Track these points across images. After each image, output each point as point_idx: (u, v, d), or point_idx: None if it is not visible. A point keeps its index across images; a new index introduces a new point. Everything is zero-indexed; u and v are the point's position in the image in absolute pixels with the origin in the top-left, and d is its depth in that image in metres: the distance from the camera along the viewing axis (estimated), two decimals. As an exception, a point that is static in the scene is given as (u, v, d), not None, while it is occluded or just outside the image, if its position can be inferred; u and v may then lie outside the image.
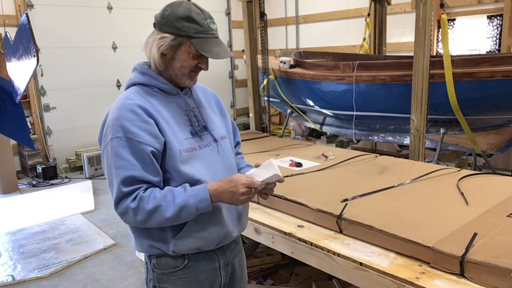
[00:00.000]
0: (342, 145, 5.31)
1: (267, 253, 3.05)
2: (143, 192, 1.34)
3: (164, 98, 1.47)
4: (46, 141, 6.41)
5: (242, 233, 1.76)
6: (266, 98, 5.12)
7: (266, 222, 2.12)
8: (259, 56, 4.96)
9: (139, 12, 7.02)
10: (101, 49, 6.85)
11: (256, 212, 2.22)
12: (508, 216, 1.80)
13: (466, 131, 3.76)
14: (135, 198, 1.33)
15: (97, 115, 6.65)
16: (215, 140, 1.53)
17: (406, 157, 3.75)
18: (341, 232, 1.92)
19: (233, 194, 1.35)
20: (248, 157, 2.24)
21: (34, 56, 4.06)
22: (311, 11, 7.86)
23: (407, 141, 4.47)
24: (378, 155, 3.00)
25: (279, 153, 3.18)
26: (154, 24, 1.45)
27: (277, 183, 1.48)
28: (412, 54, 3.32)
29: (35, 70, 4.16)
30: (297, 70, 4.98)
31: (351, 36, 7.13)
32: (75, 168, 6.55)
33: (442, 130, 4.01)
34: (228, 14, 8.58)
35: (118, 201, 1.34)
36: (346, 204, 1.99)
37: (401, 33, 6.48)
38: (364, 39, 5.63)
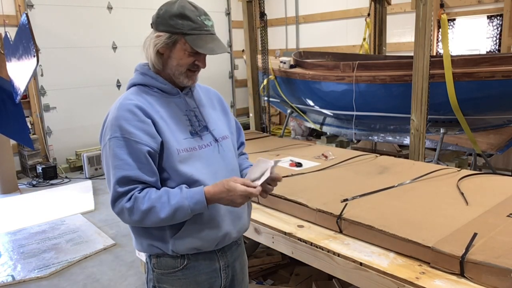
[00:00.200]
0: (342, 145, 5.31)
1: (267, 253, 3.05)
2: (139, 193, 1.34)
3: (164, 98, 1.47)
4: (46, 141, 6.41)
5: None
6: (266, 98, 5.12)
7: (266, 222, 2.12)
8: (259, 56, 4.96)
9: (139, 12, 7.02)
10: (101, 49, 6.85)
11: (256, 212, 2.22)
12: (508, 216, 1.80)
13: (466, 131, 3.76)
14: (130, 199, 1.34)
15: (97, 115, 6.68)
16: (216, 140, 1.52)
17: (406, 157, 3.75)
18: (341, 232, 1.92)
19: (231, 203, 1.36)
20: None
21: (34, 56, 4.06)
22: (311, 11, 7.86)
23: (407, 141, 4.47)
24: (378, 155, 3.00)
25: (279, 153, 3.19)
26: (151, 24, 1.46)
27: (277, 183, 1.48)
28: (412, 54, 3.32)
29: (35, 70, 4.17)
30: (297, 70, 4.98)
31: (351, 36, 7.13)
32: (75, 168, 6.55)
33: (442, 130, 4.01)
34: (228, 14, 8.58)
35: (114, 201, 1.36)
36: (346, 204, 1.99)
37: (401, 33, 6.48)
38: (364, 39, 5.63)
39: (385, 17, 5.57)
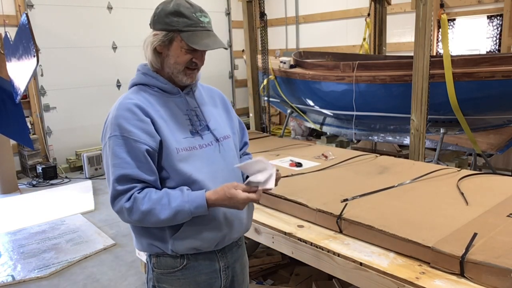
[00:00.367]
0: (342, 145, 5.31)
1: (267, 253, 3.05)
2: (138, 193, 1.35)
3: (164, 98, 1.48)
4: (46, 141, 6.41)
5: (242, 233, 1.76)
6: (266, 98, 5.12)
7: (266, 222, 2.12)
8: (259, 56, 4.96)
9: (139, 12, 7.02)
10: (101, 49, 6.85)
11: (256, 212, 2.22)
12: (508, 216, 1.80)
13: (466, 131, 3.76)
14: (129, 198, 1.34)
15: (97, 115, 6.69)
16: (217, 140, 1.52)
17: (406, 157, 3.75)
18: (341, 232, 1.92)
19: (233, 204, 1.37)
20: (248, 157, 2.23)
21: (34, 56, 4.06)
22: (311, 11, 7.86)
23: (407, 141, 4.47)
24: (378, 155, 3.00)
25: (279, 153, 3.19)
26: (150, 24, 1.46)
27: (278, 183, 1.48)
28: (412, 54, 3.32)
29: (35, 70, 4.17)
30: (297, 70, 4.98)
31: (351, 36, 7.13)
32: (75, 168, 6.55)
33: (442, 130, 4.01)
34: (228, 14, 8.58)
35: (113, 199, 1.37)
36: (346, 204, 1.99)
37: (401, 33, 6.48)
38: (364, 39, 5.63)
39: (385, 17, 5.57)
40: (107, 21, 6.86)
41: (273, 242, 2.07)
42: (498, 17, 5.54)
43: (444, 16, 3.41)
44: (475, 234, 1.58)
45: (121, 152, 1.35)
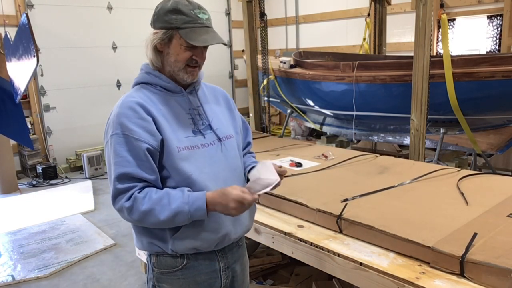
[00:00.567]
0: (342, 145, 5.31)
1: (267, 253, 3.05)
2: (138, 192, 1.35)
3: (167, 96, 1.48)
4: (46, 141, 6.41)
5: (242, 234, 1.76)
6: (266, 98, 5.12)
7: (266, 222, 2.12)
8: (259, 56, 4.96)
9: (139, 12, 7.02)
10: (101, 49, 6.85)
11: (256, 212, 2.20)
12: (508, 216, 1.80)
13: (466, 131, 3.76)
14: (129, 198, 1.34)
15: (97, 115, 6.69)
16: (219, 139, 1.52)
17: (406, 157, 3.75)
18: (341, 232, 1.92)
19: (225, 208, 1.34)
20: (248, 157, 2.23)
21: (34, 56, 4.06)
22: (311, 11, 7.86)
23: (407, 141, 4.47)
24: (378, 155, 3.00)
25: (279, 153, 3.19)
26: (150, 24, 1.47)
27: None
28: (412, 54, 3.32)
29: (35, 70, 4.17)
30: (297, 70, 4.98)
31: (351, 36, 7.13)
32: (75, 168, 6.55)
33: (442, 130, 4.01)
34: (228, 14, 8.58)
35: (114, 198, 1.37)
36: (346, 204, 1.99)
37: (401, 33, 6.48)
38: (364, 39, 5.63)
39: (385, 17, 5.57)
40: (107, 21, 6.85)
41: (273, 242, 2.07)
42: (498, 17, 5.54)
43: (444, 16, 3.41)
44: (475, 234, 1.58)
45: (122, 151, 1.36)
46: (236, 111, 1.70)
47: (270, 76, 5.10)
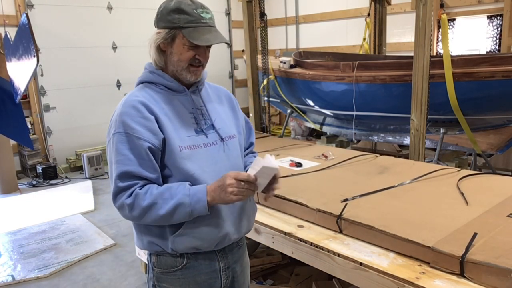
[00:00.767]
0: (342, 145, 5.31)
1: (267, 253, 3.05)
2: (139, 189, 1.36)
3: (170, 96, 1.48)
4: (46, 141, 6.41)
5: (242, 234, 1.76)
6: (266, 98, 5.12)
7: (266, 222, 2.12)
8: (259, 56, 4.96)
9: (139, 12, 7.02)
10: (101, 49, 6.85)
11: (257, 212, 2.22)
12: (508, 216, 1.80)
13: (466, 131, 3.76)
14: (131, 195, 1.35)
15: (97, 115, 6.69)
16: (222, 139, 1.52)
17: (406, 157, 3.75)
18: (341, 232, 1.92)
19: (222, 188, 1.32)
20: (248, 157, 2.23)
21: (34, 56, 4.06)
22: (311, 11, 7.86)
23: (407, 141, 4.47)
24: (378, 155, 3.00)
25: (279, 153, 3.19)
26: (154, 24, 1.48)
27: (279, 181, 1.47)
28: (412, 54, 3.32)
29: (35, 70, 4.17)
30: (297, 70, 4.98)
31: (351, 36, 7.13)
32: (75, 168, 6.55)
33: (442, 130, 4.01)
34: (228, 14, 8.59)
35: (115, 196, 1.37)
36: (346, 204, 1.99)
37: (401, 33, 6.48)
38: (364, 39, 5.63)
39: (385, 17, 5.57)
40: (107, 21, 6.85)
41: (273, 242, 2.07)
42: (498, 17, 5.54)
43: (444, 16, 3.41)
44: (475, 234, 1.58)
45: (124, 149, 1.36)
46: (239, 111, 1.69)
47: (270, 76, 5.10)
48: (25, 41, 4.20)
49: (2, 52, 4.82)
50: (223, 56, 8.64)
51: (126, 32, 6.94)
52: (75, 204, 4.98)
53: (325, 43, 7.56)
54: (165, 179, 1.42)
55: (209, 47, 1.47)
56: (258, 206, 2.28)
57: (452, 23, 5.96)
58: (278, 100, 5.67)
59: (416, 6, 3.18)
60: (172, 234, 1.43)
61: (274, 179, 1.44)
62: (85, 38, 6.63)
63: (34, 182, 5.93)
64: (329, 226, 1.97)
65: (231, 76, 8.86)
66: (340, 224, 1.91)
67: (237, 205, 1.49)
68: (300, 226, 2.03)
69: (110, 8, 6.86)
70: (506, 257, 1.44)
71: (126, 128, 1.37)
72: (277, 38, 8.46)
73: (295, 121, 6.86)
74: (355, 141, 5.49)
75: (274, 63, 5.25)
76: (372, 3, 5.48)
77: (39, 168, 6.04)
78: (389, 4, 5.57)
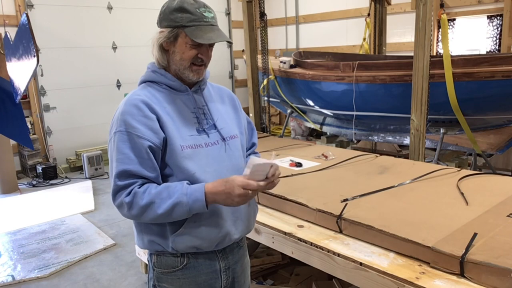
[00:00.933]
0: (342, 145, 5.31)
1: (267, 253, 3.05)
2: (138, 188, 1.36)
3: (172, 95, 1.49)
4: (46, 141, 6.41)
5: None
6: (266, 98, 5.12)
7: (266, 222, 2.12)
8: (259, 56, 4.96)
9: (139, 12, 7.02)
10: (101, 49, 6.85)
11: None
12: (508, 216, 1.80)
13: (466, 131, 3.76)
14: (129, 193, 1.35)
15: (97, 115, 6.68)
16: (224, 139, 1.52)
17: (406, 157, 3.75)
18: (341, 232, 1.92)
19: (229, 196, 1.33)
20: (248, 157, 2.23)
21: (34, 56, 4.06)
22: (311, 11, 7.86)
23: (407, 141, 4.47)
24: (378, 155, 3.00)
25: (279, 153, 3.19)
26: (157, 23, 1.48)
27: (280, 180, 1.46)
28: (412, 54, 3.32)
29: (35, 70, 4.17)
30: (297, 70, 4.98)
31: (351, 36, 7.13)
32: (75, 168, 6.55)
33: (442, 130, 4.01)
34: (228, 14, 8.59)
35: (114, 194, 1.38)
36: (346, 204, 1.99)
37: (401, 33, 6.48)
38: (364, 39, 5.63)
39: (385, 17, 5.57)
40: (107, 21, 6.85)
41: (273, 242, 2.07)
42: (498, 17, 5.54)
43: (444, 16, 3.41)
44: (475, 234, 1.58)
45: (124, 148, 1.37)
46: (241, 112, 1.70)
47: (270, 76, 5.10)
48: (25, 41, 4.20)
49: (2, 52, 4.82)
50: (223, 56, 8.64)
51: (126, 32, 6.94)
52: (75, 204, 4.98)
53: (325, 43, 7.56)
54: (166, 178, 1.42)
55: (211, 46, 1.47)
56: (258, 206, 2.29)
57: (452, 23, 5.96)
58: (278, 100, 5.67)
59: (416, 6, 3.18)
60: (173, 233, 1.43)
61: (272, 176, 1.41)
62: (85, 38, 6.63)
63: (34, 182, 5.93)
64: (329, 226, 1.97)
65: (231, 76, 8.86)
66: (340, 224, 1.91)
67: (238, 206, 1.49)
68: (300, 226, 2.03)
69: (110, 8, 6.86)
70: (506, 257, 1.44)
71: (127, 126, 1.37)
72: (277, 38, 8.46)
73: (295, 121, 6.87)
74: (355, 141, 5.49)
75: (274, 63, 5.25)
76: (372, 3, 5.48)
77: (39, 168, 6.04)
78: (389, 4, 5.57)
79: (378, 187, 2.24)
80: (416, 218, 1.85)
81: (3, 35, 4.86)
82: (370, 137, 4.90)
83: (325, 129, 5.44)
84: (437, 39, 5.90)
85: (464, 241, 1.56)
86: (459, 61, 3.60)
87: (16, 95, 4.42)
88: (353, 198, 2.10)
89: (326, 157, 2.97)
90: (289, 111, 5.75)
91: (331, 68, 4.60)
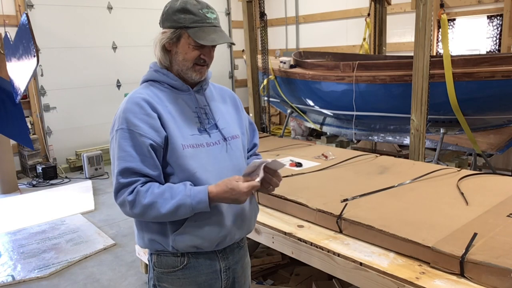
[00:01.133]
0: (342, 145, 5.31)
1: (267, 253, 3.05)
2: (141, 186, 1.36)
3: (174, 94, 1.49)
4: (46, 141, 6.41)
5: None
6: (266, 98, 5.12)
7: (266, 222, 2.12)
8: (259, 56, 4.96)
9: (139, 12, 7.02)
10: (101, 49, 6.85)
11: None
12: (508, 216, 1.80)
13: (466, 131, 3.76)
14: (132, 191, 1.35)
15: (97, 115, 6.68)
16: (225, 139, 1.52)
17: (406, 157, 3.75)
18: (341, 232, 1.92)
19: (235, 202, 1.37)
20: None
21: (34, 56, 4.07)
22: (311, 11, 7.86)
23: (407, 141, 4.47)
24: (378, 155, 3.00)
25: (279, 153, 3.19)
26: (159, 23, 1.49)
27: (281, 179, 1.48)
28: (412, 54, 3.32)
29: (35, 70, 4.17)
30: (297, 70, 4.98)
31: (351, 36, 7.13)
32: (75, 168, 6.55)
33: (442, 130, 4.01)
34: (228, 14, 8.59)
35: (116, 192, 1.38)
36: (346, 204, 1.99)
37: (401, 33, 6.48)
38: (364, 39, 5.63)
39: (385, 17, 5.57)
40: (107, 21, 6.85)
41: (273, 242, 2.07)
42: (498, 17, 5.54)
43: (444, 16, 3.41)
44: (475, 234, 1.58)
45: (126, 146, 1.37)
46: (243, 112, 1.70)
47: (270, 76, 5.10)
48: (25, 41, 4.20)
49: (2, 52, 4.82)
50: (223, 56, 8.64)
51: (126, 32, 6.93)
52: (75, 204, 4.98)
53: (325, 43, 7.56)
54: (167, 177, 1.42)
55: (214, 46, 1.48)
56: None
57: (452, 23, 5.96)
58: (278, 100, 5.67)
59: (416, 6, 3.18)
60: (173, 232, 1.43)
61: (274, 176, 1.45)
62: (85, 38, 6.62)
63: (34, 182, 5.93)
64: (329, 226, 1.97)
65: (231, 76, 8.86)
66: (340, 224, 1.91)
67: (239, 206, 1.49)
68: (300, 226, 2.03)
69: (110, 8, 6.86)
70: (506, 257, 1.44)
71: (129, 125, 1.38)
72: (277, 38, 8.46)
73: (295, 121, 6.87)
74: (355, 141, 5.49)
75: (274, 63, 5.25)
76: (372, 3, 5.48)
77: (39, 168, 6.04)
78: (389, 4, 5.57)
79: (378, 187, 2.24)
80: (416, 218, 1.85)
81: (3, 35, 4.86)
82: (370, 137, 4.90)
83: (325, 129, 5.44)
84: (437, 39, 5.90)
85: (464, 241, 1.56)
86: (459, 61, 3.60)
87: (16, 95, 4.42)
88: (353, 198, 2.10)
89: (326, 157, 2.97)
90: (289, 111, 5.75)
91: (331, 68, 4.60)
